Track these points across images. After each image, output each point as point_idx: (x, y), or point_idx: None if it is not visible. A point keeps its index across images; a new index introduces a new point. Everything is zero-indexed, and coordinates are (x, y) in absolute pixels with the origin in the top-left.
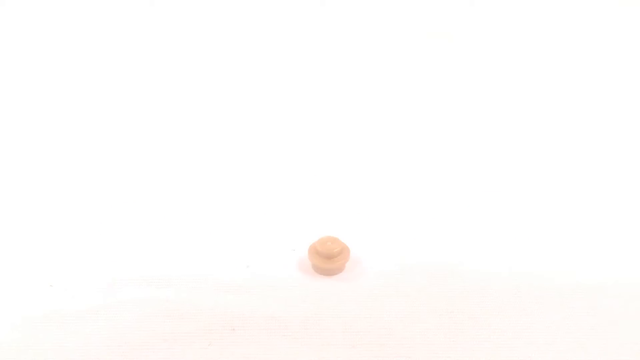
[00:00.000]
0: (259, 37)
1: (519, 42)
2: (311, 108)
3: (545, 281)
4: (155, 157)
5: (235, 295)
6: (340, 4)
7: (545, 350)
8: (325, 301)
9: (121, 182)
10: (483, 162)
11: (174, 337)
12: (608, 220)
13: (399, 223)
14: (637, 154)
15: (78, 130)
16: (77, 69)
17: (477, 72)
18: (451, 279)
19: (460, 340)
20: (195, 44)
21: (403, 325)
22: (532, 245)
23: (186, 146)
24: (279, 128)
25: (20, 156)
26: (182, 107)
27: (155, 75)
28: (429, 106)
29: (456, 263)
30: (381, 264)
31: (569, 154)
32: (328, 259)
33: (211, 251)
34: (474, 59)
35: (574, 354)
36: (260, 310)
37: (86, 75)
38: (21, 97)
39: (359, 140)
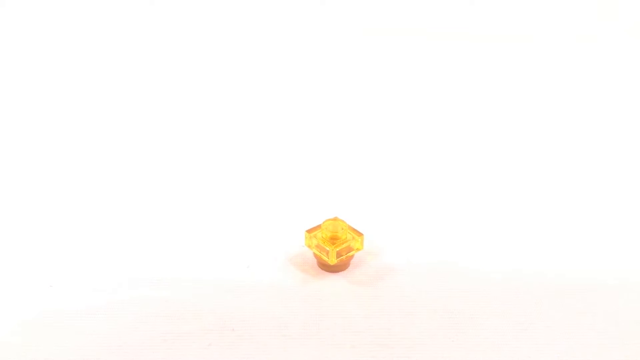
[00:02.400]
0: (259, 35)
1: (519, 44)
2: (312, 110)
3: (545, 281)
4: (155, 157)
5: (235, 295)
6: (340, 3)
7: (546, 351)
8: (325, 301)
9: (121, 183)
10: (483, 163)
11: (173, 337)
12: (608, 221)
13: (399, 223)
14: (635, 155)
15: (78, 131)
16: (78, 69)
17: (481, 72)
18: (451, 279)
19: (460, 340)
20: (194, 44)
21: (403, 325)
22: (532, 245)
23: (187, 146)
24: (279, 129)
25: (20, 157)
26: (181, 111)
27: (158, 75)
28: (431, 108)
29: (456, 263)
30: (382, 264)
31: (570, 155)
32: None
33: (211, 251)
34: (481, 59)
35: (574, 354)
36: (260, 310)
37: (89, 75)
38: (22, 97)
39: (360, 142)
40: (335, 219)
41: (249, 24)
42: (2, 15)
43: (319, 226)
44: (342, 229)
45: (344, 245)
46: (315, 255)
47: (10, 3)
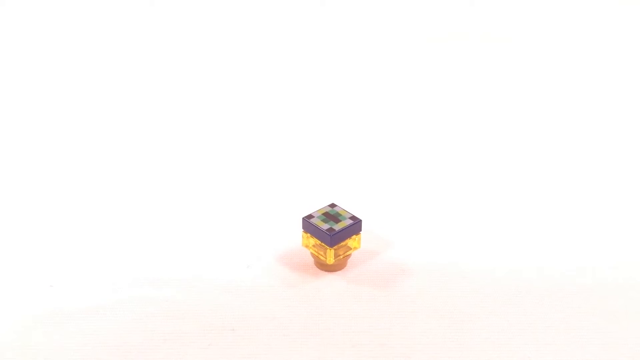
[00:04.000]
0: (257, 35)
1: (519, 44)
2: (311, 110)
3: (545, 281)
4: (154, 157)
5: (236, 295)
6: (340, 4)
7: (545, 350)
8: (324, 301)
9: (121, 182)
10: (483, 162)
11: (173, 337)
12: (608, 221)
13: (397, 221)
14: (636, 154)
15: (78, 130)
16: (76, 70)
17: (481, 72)
18: (451, 278)
19: (460, 340)
20: (189, 42)
21: (403, 325)
22: (532, 245)
23: (187, 146)
24: (278, 129)
25: (20, 156)
26: (179, 110)
27: (150, 76)
28: (429, 108)
29: (456, 263)
30: (380, 263)
31: (570, 154)
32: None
33: (211, 251)
34: (479, 58)
35: (574, 354)
36: (260, 310)
37: (87, 75)
38: (21, 97)
39: (360, 142)
40: None
41: (244, 20)
42: (2, 15)
43: None
44: None
45: (341, 244)
46: (313, 255)
47: (11, 3)
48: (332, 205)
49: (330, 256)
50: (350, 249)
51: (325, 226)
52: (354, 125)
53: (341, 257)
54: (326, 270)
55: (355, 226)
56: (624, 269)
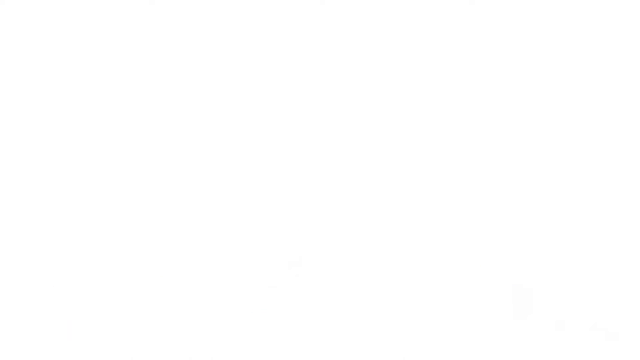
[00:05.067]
0: (251, 34)
1: (519, 46)
2: (306, 117)
3: (541, 286)
4: (151, 164)
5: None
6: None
7: (545, 352)
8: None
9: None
10: (482, 167)
11: None
12: (607, 225)
13: (398, 224)
14: (636, 163)
15: (77, 132)
16: (74, 71)
17: (477, 75)
18: (450, 282)
19: (459, 342)
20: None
21: (403, 326)
22: (531, 250)
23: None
24: (272, 135)
25: (20, 158)
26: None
27: (153, 73)
28: (424, 116)
29: (455, 268)
30: (379, 265)
31: (569, 159)
32: None
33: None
34: (472, 63)
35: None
36: None
37: (75, 80)
38: (19, 99)
39: (350, 148)
40: None
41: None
42: (2, 15)
43: None
44: None
45: None
46: None
47: (11, 3)
48: None
49: None
50: None
51: None
52: (345, 139)
53: None
54: None
55: None
56: (621, 276)
